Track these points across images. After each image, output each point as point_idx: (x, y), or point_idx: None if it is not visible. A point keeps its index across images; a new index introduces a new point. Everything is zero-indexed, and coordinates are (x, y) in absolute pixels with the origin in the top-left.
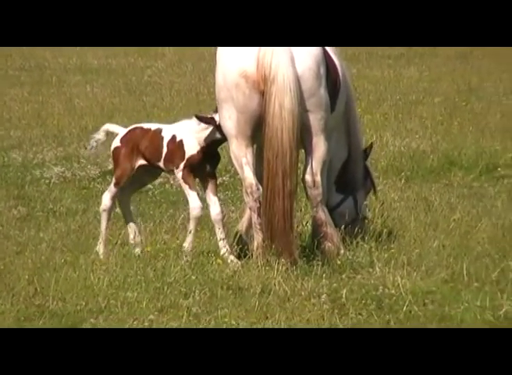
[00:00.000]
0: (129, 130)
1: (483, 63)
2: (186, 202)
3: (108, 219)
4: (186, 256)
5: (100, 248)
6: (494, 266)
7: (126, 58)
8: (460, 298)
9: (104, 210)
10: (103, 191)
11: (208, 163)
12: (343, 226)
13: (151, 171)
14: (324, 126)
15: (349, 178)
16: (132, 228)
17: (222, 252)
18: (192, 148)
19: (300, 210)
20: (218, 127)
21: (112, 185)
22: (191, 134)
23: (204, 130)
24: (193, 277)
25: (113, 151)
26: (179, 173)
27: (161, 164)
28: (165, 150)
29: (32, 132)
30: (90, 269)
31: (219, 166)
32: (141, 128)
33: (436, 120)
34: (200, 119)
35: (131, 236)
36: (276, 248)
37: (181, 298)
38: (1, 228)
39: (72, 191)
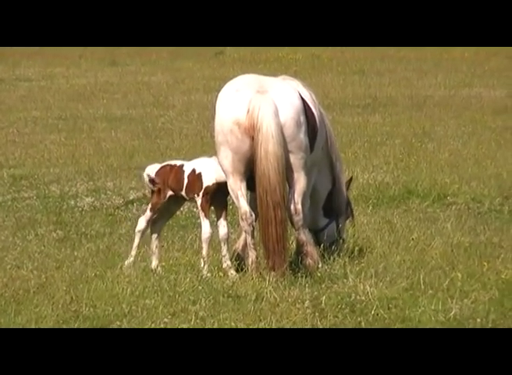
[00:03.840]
0: (161, 167)
1: (435, 111)
2: (198, 226)
3: (141, 240)
4: (204, 270)
5: (129, 262)
6: (445, 276)
7: (143, 109)
8: (417, 303)
9: (139, 231)
10: (126, 217)
11: (221, 193)
12: (328, 244)
13: (177, 201)
14: (304, 165)
15: (334, 205)
16: (155, 253)
17: (224, 265)
18: (208, 180)
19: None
20: None
21: (147, 210)
22: (209, 169)
23: (220, 169)
24: (200, 287)
25: (151, 184)
26: (198, 201)
27: (183, 193)
28: (186, 181)
29: (67, 169)
30: (115, 281)
31: None
32: (169, 165)
33: (397, 158)
34: None
35: (154, 261)
36: (270, 265)
37: (190, 304)
38: (43, 248)
39: (101, 217)
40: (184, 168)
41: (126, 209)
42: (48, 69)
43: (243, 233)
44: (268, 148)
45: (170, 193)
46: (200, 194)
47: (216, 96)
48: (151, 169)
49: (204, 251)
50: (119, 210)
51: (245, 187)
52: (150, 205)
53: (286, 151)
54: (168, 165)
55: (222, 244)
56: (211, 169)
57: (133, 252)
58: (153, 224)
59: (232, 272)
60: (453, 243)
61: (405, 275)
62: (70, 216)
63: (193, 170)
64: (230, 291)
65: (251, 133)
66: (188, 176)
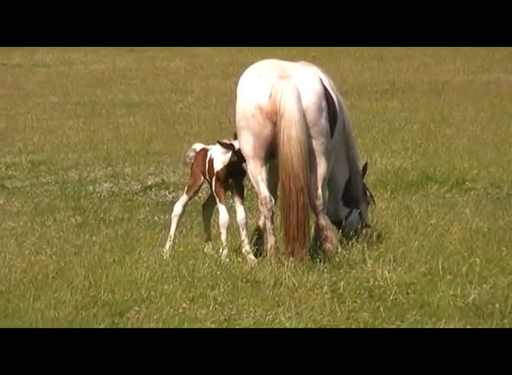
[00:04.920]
0: (200, 149)
1: (453, 96)
2: (216, 212)
3: (178, 225)
4: (223, 256)
5: (167, 247)
6: (464, 261)
7: (161, 95)
8: (436, 289)
9: (175, 216)
10: (144, 203)
11: (234, 179)
12: (352, 233)
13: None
14: (325, 150)
15: (352, 194)
16: (207, 233)
17: (243, 250)
18: (218, 166)
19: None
20: (236, 152)
21: (184, 194)
22: (218, 155)
23: (226, 154)
24: (218, 273)
25: (189, 167)
26: (212, 186)
27: (208, 178)
28: (206, 167)
29: (86, 155)
30: (134, 267)
31: None
32: (204, 148)
33: (415, 143)
34: (222, 144)
35: (209, 242)
36: (290, 250)
37: (208, 289)
38: (62, 233)
39: (119, 202)
40: (208, 153)
41: (144, 195)
42: (66, 54)
43: (262, 218)
44: (291, 133)
45: (202, 177)
46: (214, 179)
47: (237, 81)
48: (196, 147)
49: (223, 237)
50: (137, 196)
51: (265, 171)
52: (186, 188)
53: (308, 137)
54: (203, 148)
55: (241, 229)
56: (219, 155)
57: (171, 238)
58: (203, 210)
59: (251, 257)
60: (472, 228)
61: (423, 260)
62: (89, 202)
63: (210, 156)
64: (249, 277)
65: (273, 118)
66: (208, 161)
